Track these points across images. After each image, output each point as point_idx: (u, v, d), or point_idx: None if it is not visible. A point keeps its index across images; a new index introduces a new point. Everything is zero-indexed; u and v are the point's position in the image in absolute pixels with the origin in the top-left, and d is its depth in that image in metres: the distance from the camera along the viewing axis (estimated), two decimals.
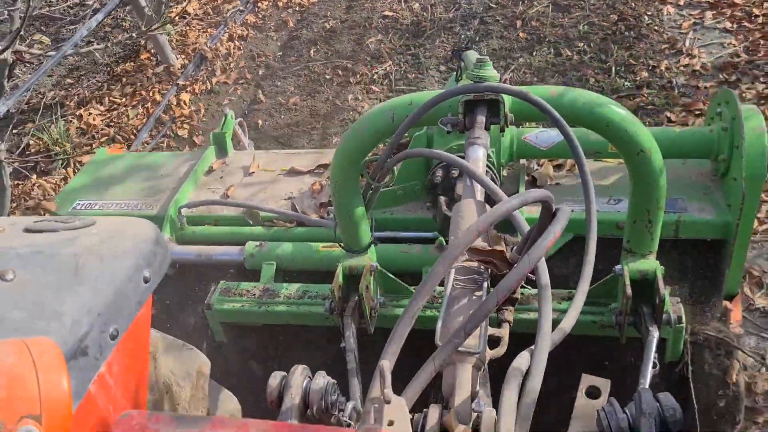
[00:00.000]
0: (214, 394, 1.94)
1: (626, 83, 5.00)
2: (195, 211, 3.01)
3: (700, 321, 2.44)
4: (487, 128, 1.88)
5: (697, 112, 4.47)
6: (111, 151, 3.68)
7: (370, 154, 2.19)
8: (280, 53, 6.39)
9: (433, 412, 1.28)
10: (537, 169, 2.80)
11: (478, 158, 1.85)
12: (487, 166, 2.45)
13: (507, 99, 1.86)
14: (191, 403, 1.69)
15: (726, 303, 2.50)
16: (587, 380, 1.59)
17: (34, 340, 0.91)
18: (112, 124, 5.77)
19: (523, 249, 1.44)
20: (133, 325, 1.25)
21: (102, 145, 5.32)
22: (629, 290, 2.05)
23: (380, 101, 4.82)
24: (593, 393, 1.56)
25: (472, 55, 2.80)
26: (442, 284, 1.56)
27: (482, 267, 1.52)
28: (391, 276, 2.47)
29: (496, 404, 1.35)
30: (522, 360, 1.30)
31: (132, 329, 1.25)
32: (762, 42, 5.02)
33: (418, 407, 1.27)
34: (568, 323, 1.40)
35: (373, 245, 2.43)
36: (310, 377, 1.45)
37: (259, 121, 5.55)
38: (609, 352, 2.47)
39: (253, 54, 6.43)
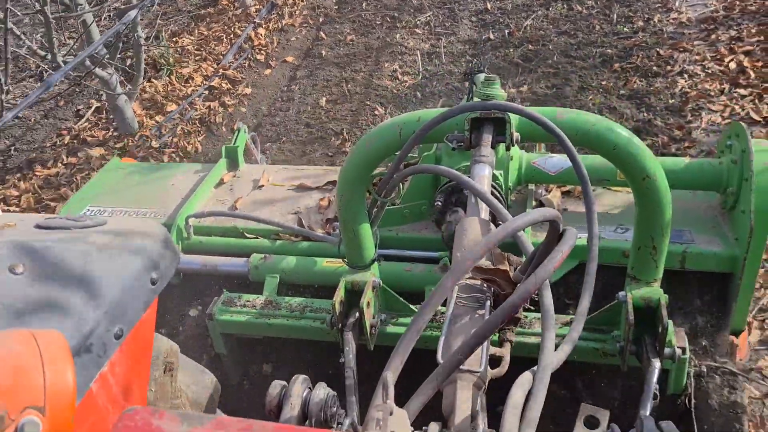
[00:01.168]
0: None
1: (625, 29, 6.14)
2: (203, 221, 3.03)
3: (705, 355, 2.42)
4: (493, 146, 1.89)
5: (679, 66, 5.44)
6: (124, 160, 3.72)
7: (377, 170, 2.20)
8: (336, 6, 7.63)
9: (433, 430, 1.28)
10: (545, 195, 2.81)
11: (483, 176, 1.86)
12: (495, 188, 2.46)
13: (514, 118, 1.87)
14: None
15: (732, 338, 2.49)
16: (586, 410, 1.59)
17: (42, 331, 0.92)
18: (201, 49, 6.94)
19: (527, 269, 1.45)
20: (138, 327, 1.25)
21: (197, 62, 6.67)
22: (632, 317, 2.04)
23: (423, 41, 6.58)
24: (592, 423, 1.56)
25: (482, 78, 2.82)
26: (444, 302, 1.57)
27: (485, 285, 1.53)
28: (393, 293, 2.47)
29: (493, 424, 1.35)
30: (524, 381, 1.30)
31: (136, 330, 1.25)
32: (737, 2, 6.13)
33: (416, 424, 1.27)
34: (569, 344, 1.40)
35: (376, 262, 2.44)
36: (310, 388, 1.45)
37: (323, 52, 6.72)
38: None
39: (313, 5, 7.69)
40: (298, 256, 2.80)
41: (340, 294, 2.30)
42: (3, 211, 4.85)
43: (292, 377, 1.52)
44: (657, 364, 2.03)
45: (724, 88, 5.04)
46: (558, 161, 2.68)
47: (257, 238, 2.96)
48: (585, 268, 1.50)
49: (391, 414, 1.04)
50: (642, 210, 1.98)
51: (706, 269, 2.49)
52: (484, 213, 1.81)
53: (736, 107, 4.81)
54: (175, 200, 3.17)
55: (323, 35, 7.01)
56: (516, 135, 1.85)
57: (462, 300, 1.49)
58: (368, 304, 2.31)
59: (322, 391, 1.43)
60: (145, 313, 1.27)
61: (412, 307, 2.48)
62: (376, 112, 5.55)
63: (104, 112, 6.08)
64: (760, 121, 4.61)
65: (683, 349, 2.13)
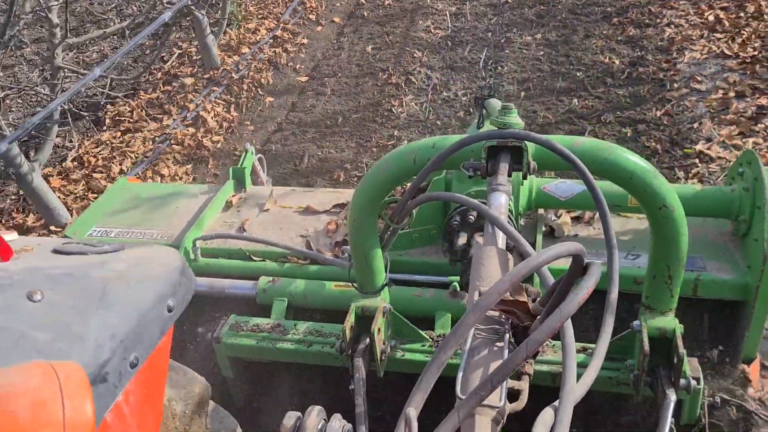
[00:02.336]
0: (218, 418, 1.91)
1: None
2: (210, 243, 3.01)
3: (718, 385, 2.40)
4: (509, 175, 1.88)
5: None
6: (131, 180, 3.71)
7: (389, 196, 2.19)
8: None
9: None
10: (555, 220, 2.79)
11: (500, 205, 1.84)
12: None
13: (530, 146, 1.87)
14: (190, 425, 1.66)
15: (744, 367, 2.46)
16: None
17: (61, 364, 0.90)
18: (262, 10, 7.95)
19: (547, 302, 1.43)
20: (153, 355, 1.23)
21: (259, 20, 7.71)
22: (647, 347, 2.02)
23: (450, 5, 7.65)
24: None
25: (495, 103, 2.82)
26: None
27: (504, 317, 1.50)
28: (403, 319, 2.44)
29: None
30: (546, 417, 1.27)
31: (151, 359, 1.23)
32: None
33: None
34: (590, 377, 1.37)
35: (387, 287, 2.42)
36: (325, 420, 1.42)
37: (365, 13, 7.92)
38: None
39: None
40: (307, 280, 2.78)
41: (350, 319, 2.28)
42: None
43: (303, 405, 1.50)
44: (672, 396, 2.01)
45: (704, 34, 6.04)
46: (569, 187, 2.67)
47: (264, 260, 2.94)
48: (595, 296, 1.48)
49: None
50: (658, 239, 1.96)
51: (718, 297, 2.47)
52: (501, 242, 1.79)
53: (713, 47, 5.80)
54: (182, 221, 3.16)
55: (363, 0, 8.26)
56: (533, 164, 1.84)
57: (480, 332, 1.47)
58: (379, 330, 2.29)
59: (338, 424, 1.41)
60: (160, 342, 1.25)
61: (422, 333, 2.46)
62: (415, 55, 6.74)
63: (186, 56, 7.27)
64: (731, 55, 5.61)
65: (697, 380, 2.10)
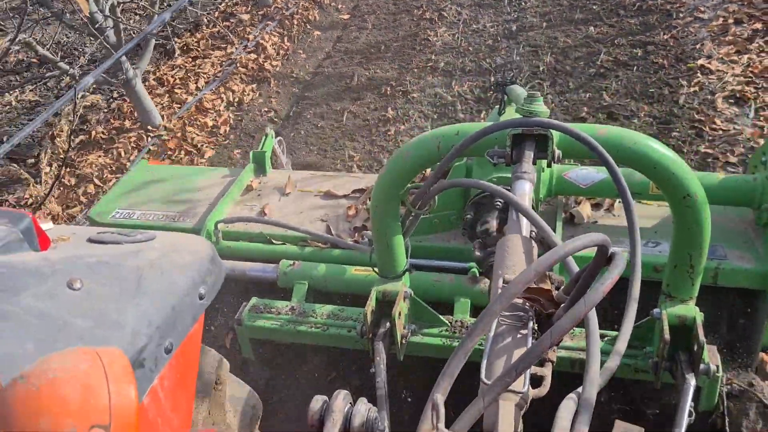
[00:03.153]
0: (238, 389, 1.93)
1: None
2: (231, 226, 3.04)
3: (735, 373, 2.41)
4: (533, 163, 1.89)
5: None
6: (152, 162, 3.74)
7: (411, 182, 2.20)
8: None
9: None
10: (575, 207, 2.80)
11: (524, 193, 1.85)
12: None
13: (555, 135, 1.87)
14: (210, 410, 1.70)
15: (763, 355, 2.47)
16: (621, 427, 1.58)
17: (105, 350, 0.94)
18: None
19: (571, 290, 1.44)
20: (185, 341, 1.26)
21: None
22: (667, 335, 2.03)
23: None
24: None
25: (517, 89, 2.82)
26: None
27: (528, 304, 1.52)
28: (423, 304, 2.47)
29: None
30: (569, 403, 1.29)
31: (184, 344, 1.26)
32: None
33: None
34: (613, 363, 1.39)
35: (407, 272, 2.44)
36: (351, 403, 1.45)
37: None
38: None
39: None
40: (328, 264, 2.81)
41: (371, 304, 2.30)
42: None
43: (331, 390, 1.52)
44: (692, 381, 2.02)
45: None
46: (589, 174, 2.67)
47: (285, 244, 2.97)
48: (619, 282, 1.50)
49: None
50: (680, 228, 1.97)
51: (738, 285, 2.47)
52: (525, 229, 1.81)
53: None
54: (203, 204, 3.19)
55: None
56: (557, 152, 1.85)
57: (504, 319, 1.49)
58: (399, 314, 2.31)
59: (363, 407, 1.43)
60: (193, 328, 1.28)
61: (441, 317, 2.48)
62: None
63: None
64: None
65: (717, 367, 2.11)
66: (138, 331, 1.11)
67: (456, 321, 2.49)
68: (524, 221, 1.81)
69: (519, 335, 1.46)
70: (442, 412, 1.11)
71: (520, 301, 1.53)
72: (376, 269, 2.43)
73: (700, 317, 2.07)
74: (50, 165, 5.55)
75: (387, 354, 2.32)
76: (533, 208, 2.48)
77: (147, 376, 1.14)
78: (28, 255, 1.14)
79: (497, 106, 2.83)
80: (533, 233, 1.81)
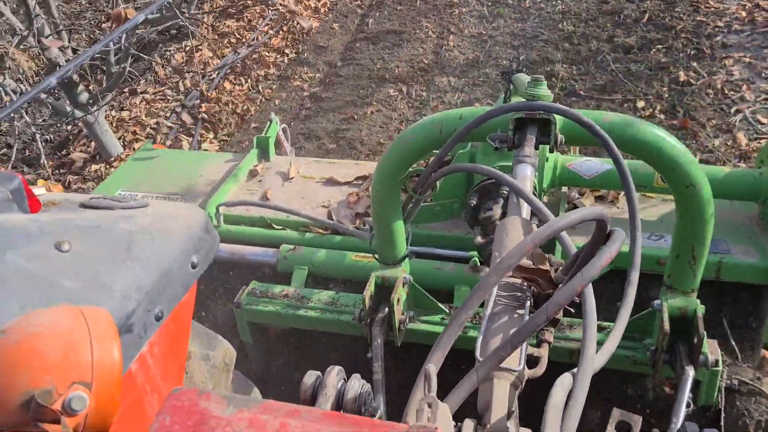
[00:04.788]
0: (239, 384, 1.94)
1: None
2: (233, 210, 3.03)
3: (736, 368, 2.38)
4: (536, 148, 1.87)
5: None
6: (156, 146, 3.74)
7: (413, 167, 2.19)
8: None
9: (468, 427, 1.26)
10: (578, 198, 2.78)
11: (526, 176, 1.83)
12: None
13: (558, 120, 1.85)
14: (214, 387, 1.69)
15: (765, 352, 2.44)
16: (618, 415, 1.56)
17: (90, 308, 0.92)
18: None
19: (569, 270, 1.42)
20: (177, 310, 1.25)
21: None
22: (667, 327, 2.01)
23: None
24: (624, 428, 1.53)
25: (523, 78, 2.79)
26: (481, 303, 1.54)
27: (525, 285, 1.50)
28: (423, 291, 2.45)
29: (526, 424, 1.33)
30: (564, 382, 1.27)
31: (175, 313, 1.25)
32: None
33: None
34: (611, 345, 1.37)
35: (407, 258, 2.42)
36: (345, 379, 1.43)
37: None
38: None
39: None
40: (328, 249, 2.80)
41: (370, 289, 2.29)
42: None
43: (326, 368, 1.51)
44: (691, 372, 2.00)
45: None
46: (594, 165, 2.65)
47: (286, 229, 2.96)
48: (616, 275, 1.48)
49: (436, 407, 1.02)
50: (683, 218, 1.94)
51: (741, 280, 2.44)
52: (526, 213, 1.79)
53: None
54: (205, 188, 3.18)
55: None
56: (560, 137, 1.83)
57: (502, 298, 1.47)
58: (398, 300, 2.30)
59: (357, 383, 1.42)
60: (184, 296, 1.27)
61: (441, 305, 2.47)
62: None
63: None
64: None
65: (716, 361, 2.09)
66: (127, 295, 1.09)
67: (456, 309, 2.48)
68: (525, 205, 1.79)
69: (516, 315, 1.45)
70: (434, 382, 1.10)
71: (519, 281, 1.51)
72: (376, 255, 2.42)
73: (701, 309, 2.05)
74: None
75: (385, 340, 2.31)
76: (536, 195, 2.46)
77: (135, 342, 1.13)
78: (16, 216, 1.13)
79: (503, 95, 2.80)
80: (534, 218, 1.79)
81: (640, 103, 4.99)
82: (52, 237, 1.09)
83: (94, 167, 5.40)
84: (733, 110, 4.77)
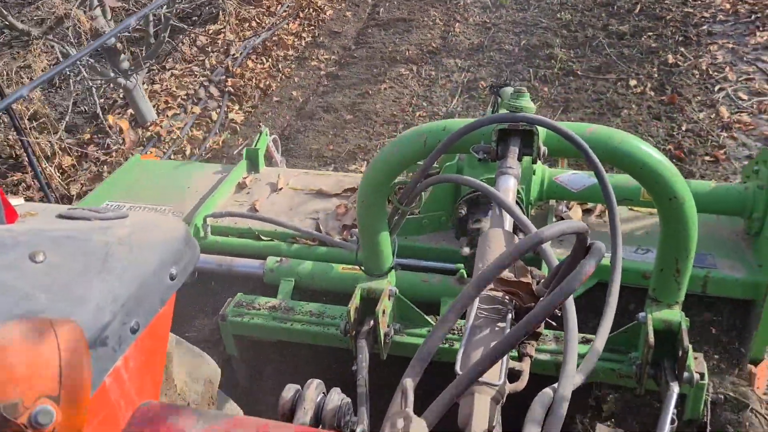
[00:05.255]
0: (221, 403, 1.92)
1: None
2: (220, 221, 3.02)
3: (722, 383, 2.38)
4: (519, 159, 1.87)
5: None
6: (145, 157, 3.73)
7: (398, 178, 2.18)
8: None
9: None
10: (565, 212, 2.78)
11: (508, 188, 1.83)
12: (517, 202, 2.43)
13: (541, 132, 1.85)
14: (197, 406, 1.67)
15: (751, 367, 2.44)
16: (603, 430, 1.55)
17: (60, 320, 0.91)
18: None
19: (551, 283, 1.42)
20: (154, 323, 1.24)
21: None
22: (652, 339, 2.00)
23: None
24: None
25: (509, 91, 2.80)
26: (464, 315, 1.54)
27: (507, 298, 1.50)
28: (409, 303, 2.44)
29: None
30: (544, 397, 1.26)
31: (152, 327, 1.23)
32: None
33: None
34: (591, 362, 1.36)
35: (393, 270, 2.41)
36: (324, 393, 1.42)
37: None
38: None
39: None
40: (315, 261, 2.79)
41: (355, 301, 2.28)
42: None
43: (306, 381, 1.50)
44: (676, 388, 1.99)
45: None
46: (581, 178, 2.65)
47: (273, 240, 2.95)
48: (604, 287, 1.47)
49: (409, 422, 1.01)
50: (667, 231, 1.94)
51: (727, 295, 2.44)
52: (508, 225, 1.78)
53: None
54: (194, 199, 3.17)
55: None
56: (543, 149, 1.83)
57: (483, 311, 1.46)
58: (383, 312, 2.29)
59: (337, 396, 1.40)
60: (162, 309, 1.26)
61: (427, 317, 2.46)
62: None
63: None
64: None
65: (702, 375, 2.09)
66: (102, 307, 1.08)
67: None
68: (507, 217, 1.78)
69: (497, 328, 1.44)
70: (410, 397, 1.09)
71: (500, 294, 1.51)
72: (362, 267, 2.41)
73: (685, 322, 2.05)
74: None
75: (371, 352, 2.30)
76: (522, 207, 2.46)
77: (110, 355, 1.11)
78: None
79: (490, 108, 2.81)
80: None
81: (632, 82, 5.40)
82: (26, 248, 1.08)
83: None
84: (716, 88, 5.18)
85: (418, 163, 2.09)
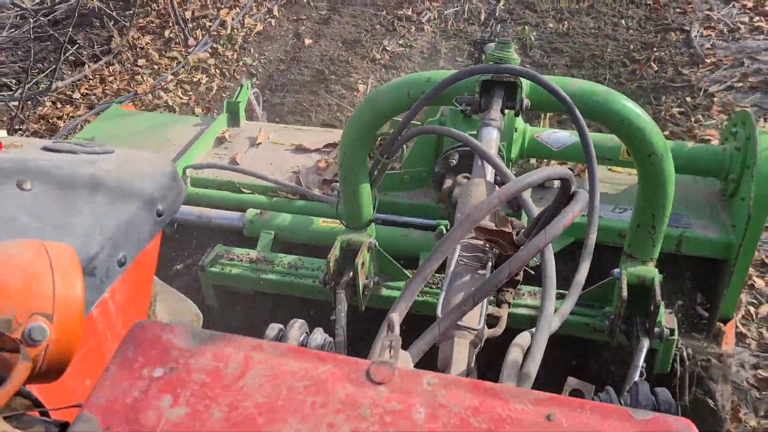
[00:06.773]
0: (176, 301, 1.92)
1: None
2: (200, 173, 3.01)
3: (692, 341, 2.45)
4: (502, 111, 1.88)
5: None
6: (123, 107, 3.68)
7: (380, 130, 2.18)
8: None
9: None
10: None
11: (491, 139, 1.84)
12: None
13: (525, 84, 1.86)
14: None
15: (720, 325, 2.51)
16: (572, 383, 1.60)
17: (53, 243, 0.91)
18: None
19: (531, 232, 1.45)
20: (141, 258, 1.25)
21: None
22: (625, 294, 2.05)
23: None
24: (577, 396, 1.57)
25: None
26: (444, 263, 1.56)
27: (488, 246, 1.53)
28: (388, 257, 2.46)
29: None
30: (522, 340, 1.30)
31: (139, 263, 1.24)
32: None
33: None
34: (566, 308, 1.40)
35: (373, 224, 2.43)
36: (307, 332, 1.44)
37: None
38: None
39: None
40: (294, 214, 2.79)
41: (334, 252, 2.29)
42: None
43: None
44: (646, 342, 2.05)
45: None
46: (561, 137, 2.68)
47: (254, 193, 2.95)
48: (581, 246, 1.50)
49: (397, 352, 1.03)
50: (645, 187, 1.97)
51: (700, 254, 2.50)
52: (490, 176, 1.80)
53: None
54: (174, 150, 3.14)
55: None
56: (526, 101, 1.84)
57: (464, 258, 1.49)
58: (363, 264, 2.31)
59: (320, 336, 1.42)
60: (149, 245, 1.26)
61: (406, 271, 2.48)
62: None
63: None
64: None
65: (672, 330, 2.15)
66: (90, 236, 1.08)
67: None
68: (489, 168, 1.80)
69: (477, 275, 1.47)
70: (397, 328, 1.11)
71: (481, 242, 1.53)
72: (342, 221, 2.42)
73: (658, 278, 2.09)
74: None
75: (349, 304, 2.32)
76: (503, 160, 2.48)
77: (97, 287, 1.12)
78: None
79: (476, 64, 2.81)
80: (497, 179, 1.81)
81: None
82: (13, 175, 1.08)
83: None
84: None
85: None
